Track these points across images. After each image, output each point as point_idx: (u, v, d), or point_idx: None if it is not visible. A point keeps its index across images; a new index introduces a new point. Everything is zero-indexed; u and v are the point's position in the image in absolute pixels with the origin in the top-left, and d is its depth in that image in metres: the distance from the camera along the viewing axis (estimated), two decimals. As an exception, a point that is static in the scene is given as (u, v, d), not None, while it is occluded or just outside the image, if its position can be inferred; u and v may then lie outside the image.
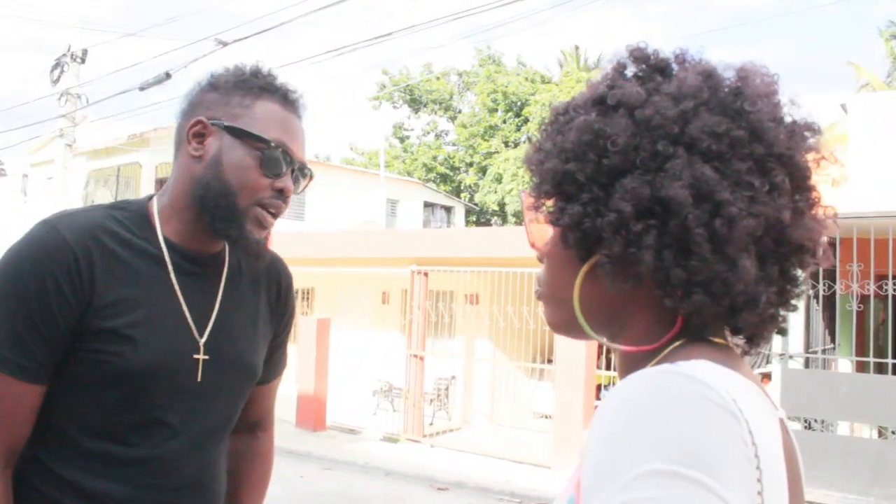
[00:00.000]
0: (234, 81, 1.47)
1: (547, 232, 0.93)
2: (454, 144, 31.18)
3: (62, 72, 14.89)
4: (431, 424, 11.69)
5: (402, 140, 32.29)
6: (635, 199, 0.77)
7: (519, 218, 25.16)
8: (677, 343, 0.81)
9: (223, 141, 1.42)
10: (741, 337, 0.86)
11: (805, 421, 7.64)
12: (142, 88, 12.75)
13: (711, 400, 0.67)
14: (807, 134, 0.83)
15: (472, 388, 12.50)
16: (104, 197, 19.57)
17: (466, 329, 12.09)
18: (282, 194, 1.45)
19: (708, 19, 65.53)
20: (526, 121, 27.34)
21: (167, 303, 1.43)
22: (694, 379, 0.69)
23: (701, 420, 0.66)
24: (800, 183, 0.81)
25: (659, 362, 0.80)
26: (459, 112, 31.01)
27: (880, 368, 7.90)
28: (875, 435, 8.55)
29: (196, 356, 1.44)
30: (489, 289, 11.18)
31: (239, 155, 1.41)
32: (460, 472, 8.85)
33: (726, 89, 0.82)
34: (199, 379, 1.44)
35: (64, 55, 14.86)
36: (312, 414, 10.83)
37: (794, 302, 0.83)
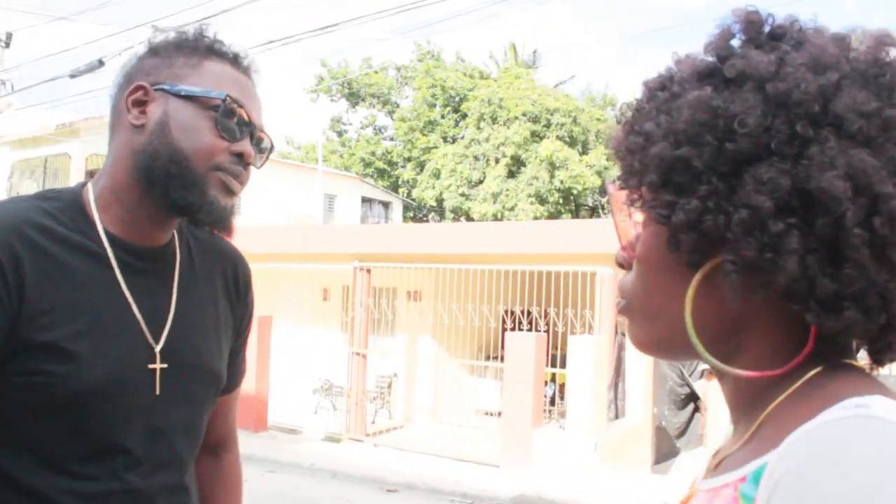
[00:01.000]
0: (177, 43, 1.29)
1: (634, 231, 0.79)
2: (392, 139, 30.96)
3: (-16, 57, 14.24)
4: (373, 423, 11.53)
5: (339, 134, 31.91)
6: (774, 192, 0.64)
7: (458, 214, 25.10)
8: (816, 370, 0.68)
9: (169, 104, 1.23)
10: (871, 358, 0.73)
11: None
12: (72, 76, 12.27)
13: None
14: None
15: (414, 385, 12.38)
16: (30, 189, 18.80)
17: (409, 326, 11.94)
18: (241, 160, 1.26)
19: (646, 18, 66.61)
20: (464, 116, 27.26)
21: (114, 306, 1.22)
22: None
23: None
24: None
25: (801, 392, 0.67)
26: (398, 106, 30.78)
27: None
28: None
29: (152, 366, 1.24)
30: (433, 285, 11.07)
31: (188, 116, 1.23)
32: (408, 473, 8.71)
33: (868, 61, 0.68)
34: (157, 392, 1.25)
35: (-14, 40, 14.21)
36: (253, 414, 10.54)
37: None
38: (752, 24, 0.73)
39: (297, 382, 12.26)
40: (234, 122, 1.25)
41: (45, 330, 1.14)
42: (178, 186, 1.21)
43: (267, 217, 18.15)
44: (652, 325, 0.78)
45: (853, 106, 0.64)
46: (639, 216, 0.79)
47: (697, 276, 0.71)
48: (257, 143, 1.31)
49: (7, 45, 14.32)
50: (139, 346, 1.24)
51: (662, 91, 0.75)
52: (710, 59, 0.73)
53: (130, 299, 1.24)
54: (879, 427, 0.58)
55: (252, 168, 1.30)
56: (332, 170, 25.78)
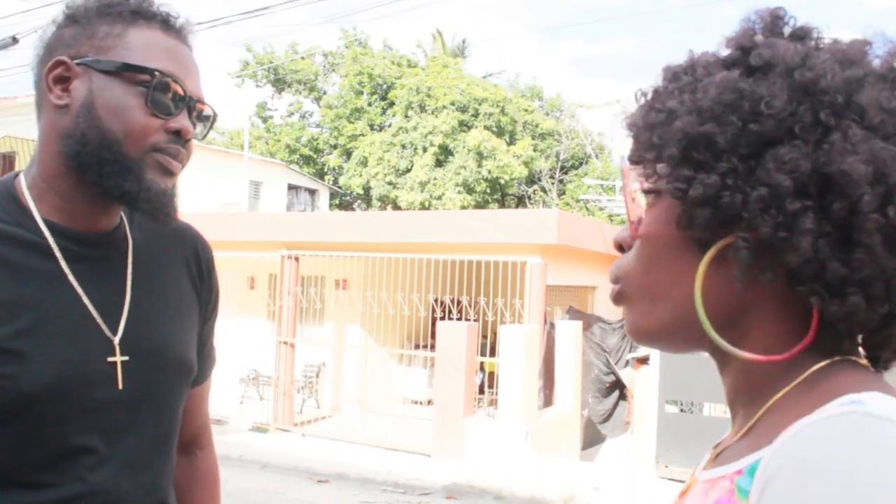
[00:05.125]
0: (98, 8, 1.18)
1: (638, 211, 0.78)
2: (318, 126, 30.59)
3: None
4: (301, 413, 11.43)
5: (265, 120, 31.35)
6: (794, 172, 0.64)
7: (385, 202, 25.00)
8: (819, 364, 0.69)
9: (93, 81, 1.13)
10: (868, 352, 0.74)
11: (681, 403, 7.92)
12: (-16, 54, 11.71)
13: None
14: None
15: (342, 375, 12.31)
16: (-63, 172, 17.95)
17: (337, 315, 11.86)
18: (179, 137, 1.18)
19: (568, 10, 67.44)
20: (391, 104, 27.14)
21: (62, 299, 1.14)
22: None
23: None
24: None
25: (802, 387, 0.68)
26: (324, 93, 30.41)
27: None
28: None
29: (111, 359, 1.16)
30: (361, 274, 11.01)
31: (116, 94, 1.13)
32: (338, 463, 8.67)
33: (887, 66, 0.70)
34: (119, 386, 1.17)
35: None
36: (177, 405, 10.31)
37: None
38: (777, 20, 0.75)
39: (223, 372, 12.04)
40: (167, 96, 1.16)
41: None
42: (111, 173, 1.13)
43: (191, 204, 17.75)
44: (653, 310, 0.76)
45: (877, 100, 0.66)
46: (643, 199, 0.79)
47: (711, 252, 0.70)
48: (197, 114, 1.23)
49: (-87, 19, 13.61)
50: (94, 338, 1.16)
51: (686, 75, 0.75)
52: (735, 50, 0.74)
53: (79, 289, 1.16)
54: (870, 423, 0.58)
55: (194, 142, 1.23)
56: (257, 156, 25.33)
